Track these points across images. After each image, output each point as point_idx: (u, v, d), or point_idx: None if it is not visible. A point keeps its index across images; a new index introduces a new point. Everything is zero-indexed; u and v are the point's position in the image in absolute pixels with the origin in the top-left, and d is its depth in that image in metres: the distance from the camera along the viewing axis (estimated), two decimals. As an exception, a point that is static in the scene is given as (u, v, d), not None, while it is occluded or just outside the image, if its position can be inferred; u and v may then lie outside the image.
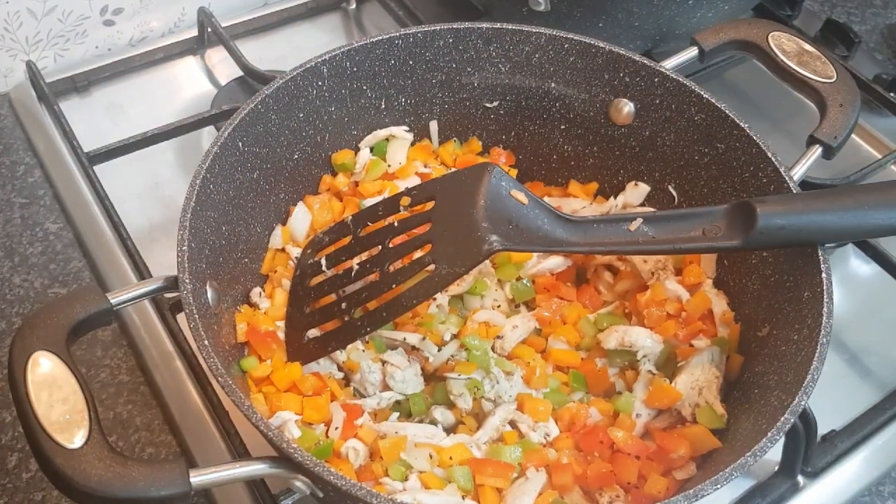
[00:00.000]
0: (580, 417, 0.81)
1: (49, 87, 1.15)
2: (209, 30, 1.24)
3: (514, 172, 1.00)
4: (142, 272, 0.95)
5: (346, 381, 0.84)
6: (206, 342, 0.68)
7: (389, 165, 0.97)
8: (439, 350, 0.84)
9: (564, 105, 0.97)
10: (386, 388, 0.82)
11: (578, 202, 0.98)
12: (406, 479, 0.75)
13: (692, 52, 0.94)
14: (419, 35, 0.93)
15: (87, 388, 0.63)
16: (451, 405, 0.82)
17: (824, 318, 0.73)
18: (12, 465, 0.85)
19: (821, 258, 0.76)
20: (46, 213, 1.06)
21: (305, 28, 1.33)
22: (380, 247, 0.83)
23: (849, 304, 1.01)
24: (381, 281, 0.81)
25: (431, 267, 0.78)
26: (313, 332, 0.83)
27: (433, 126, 1.00)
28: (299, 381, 0.80)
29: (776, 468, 0.87)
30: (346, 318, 0.82)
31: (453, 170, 0.97)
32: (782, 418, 0.68)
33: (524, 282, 0.90)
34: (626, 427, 0.80)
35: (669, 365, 0.85)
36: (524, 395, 0.82)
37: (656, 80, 0.91)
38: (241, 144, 0.84)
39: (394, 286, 0.80)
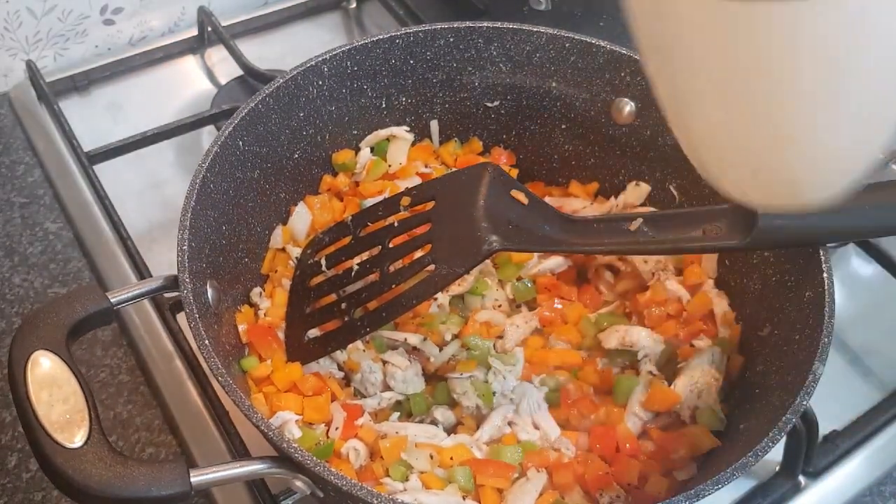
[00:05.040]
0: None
1: (49, 86, 1.15)
2: (209, 29, 1.24)
3: (514, 172, 1.00)
4: (141, 272, 0.94)
5: (347, 381, 0.84)
6: (206, 342, 0.68)
7: (390, 165, 0.97)
8: (440, 350, 0.84)
9: (565, 104, 0.97)
10: (386, 388, 0.82)
11: (579, 202, 0.98)
12: (407, 479, 0.75)
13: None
14: (420, 34, 0.93)
15: (88, 388, 0.63)
16: (451, 405, 0.82)
17: (826, 317, 0.72)
18: (12, 465, 0.85)
19: (822, 258, 0.76)
20: (46, 213, 1.06)
21: (305, 27, 1.33)
22: (380, 247, 0.83)
23: (850, 304, 1.01)
24: (381, 281, 0.81)
25: (431, 267, 0.78)
26: (313, 332, 0.83)
27: (434, 126, 1.00)
28: (300, 381, 0.79)
29: (777, 468, 0.87)
30: (346, 318, 0.81)
31: (453, 170, 0.97)
32: (784, 418, 0.67)
33: (525, 282, 0.90)
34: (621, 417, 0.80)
35: (670, 365, 0.84)
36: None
37: (657, 79, 0.91)
38: (241, 143, 0.84)
39: (394, 286, 0.79)
